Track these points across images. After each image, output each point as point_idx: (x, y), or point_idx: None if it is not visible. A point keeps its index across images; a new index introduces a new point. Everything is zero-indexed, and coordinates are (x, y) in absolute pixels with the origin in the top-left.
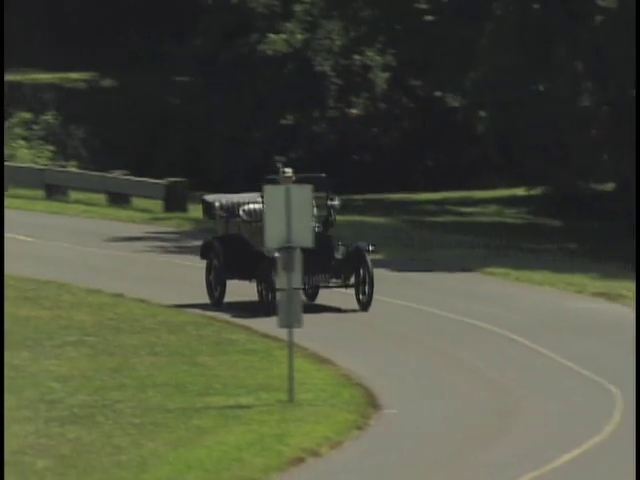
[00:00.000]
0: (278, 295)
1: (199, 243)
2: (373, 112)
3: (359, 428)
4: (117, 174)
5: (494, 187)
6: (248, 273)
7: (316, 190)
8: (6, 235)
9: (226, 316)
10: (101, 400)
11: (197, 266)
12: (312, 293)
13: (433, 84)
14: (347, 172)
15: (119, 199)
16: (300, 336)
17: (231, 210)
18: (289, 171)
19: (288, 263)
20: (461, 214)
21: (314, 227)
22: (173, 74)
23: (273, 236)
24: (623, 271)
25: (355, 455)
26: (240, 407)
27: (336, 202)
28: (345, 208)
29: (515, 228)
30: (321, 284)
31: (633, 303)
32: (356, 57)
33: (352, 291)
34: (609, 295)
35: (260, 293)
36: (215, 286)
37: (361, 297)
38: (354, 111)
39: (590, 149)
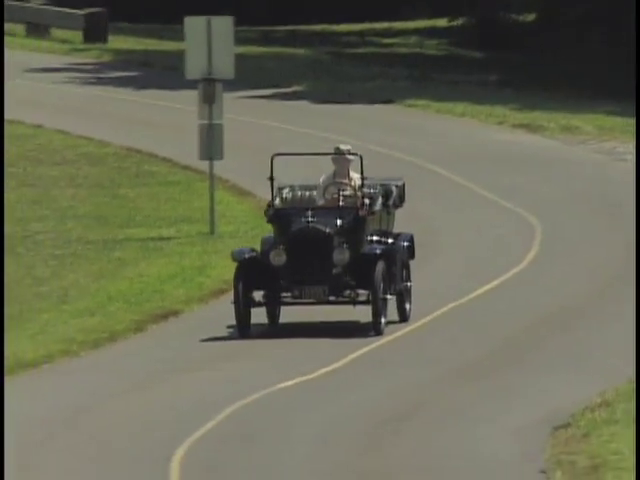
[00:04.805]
0: (199, 127)
1: (119, 74)
2: None
3: None
4: (35, 3)
5: (415, 18)
6: None
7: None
8: None
9: (147, 148)
10: (22, 231)
11: (117, 98)
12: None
13: None
14: (266, 2)
15: (38, 30)
16: (221, 168)
17: None
18: (346, 148)
19: (209, 95)
20: (382, 45)
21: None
22: None
23: (194, 68)
24: (544, 102)
25: None
26: (161, 239)
27: (378, 189)
28: (266, 39)
29: (436, 60)
30: (317, 299)
31: (553, 135)
32: None
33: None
34: (530, 127)
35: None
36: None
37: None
38: None
39: None
